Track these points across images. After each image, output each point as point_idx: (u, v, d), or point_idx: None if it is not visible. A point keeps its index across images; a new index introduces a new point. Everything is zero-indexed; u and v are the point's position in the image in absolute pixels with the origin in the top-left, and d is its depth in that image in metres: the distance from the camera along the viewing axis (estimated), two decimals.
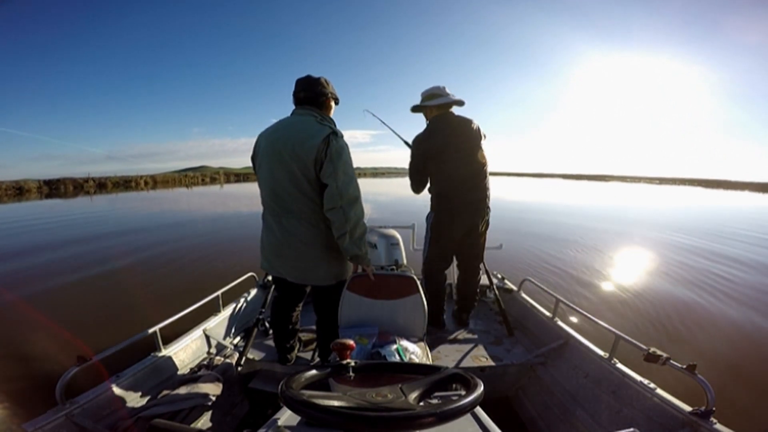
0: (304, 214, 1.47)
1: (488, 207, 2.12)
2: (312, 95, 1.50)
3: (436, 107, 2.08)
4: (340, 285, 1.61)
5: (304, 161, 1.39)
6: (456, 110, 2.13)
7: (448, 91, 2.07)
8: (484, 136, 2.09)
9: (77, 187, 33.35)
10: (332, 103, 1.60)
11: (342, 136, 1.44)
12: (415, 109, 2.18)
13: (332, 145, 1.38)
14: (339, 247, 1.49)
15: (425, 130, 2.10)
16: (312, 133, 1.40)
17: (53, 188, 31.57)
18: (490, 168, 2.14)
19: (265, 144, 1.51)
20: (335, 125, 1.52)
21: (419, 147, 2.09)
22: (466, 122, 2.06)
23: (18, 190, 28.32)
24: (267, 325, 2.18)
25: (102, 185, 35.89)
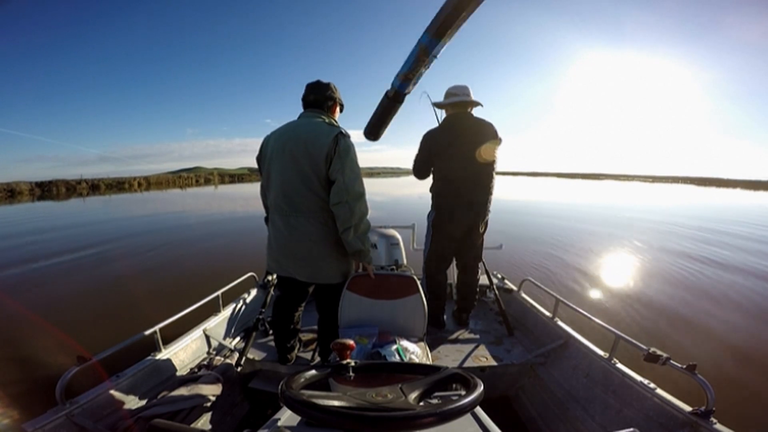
0: (314, 212, 1.51)
1: (489, 210, 2.12)
2: (321, 99, 1.59)
3: (451, 106, 2.10)
4: (343, 284, 1.63)
5: (315, 159, 1.45)
6: (475, 111, 2.14)
7: (470, 92, 2.08)
8: (500, 141, 2.08)
9: (70, 188, 33.23)
10: (338, 109, 1.68)
11: (349, 137, 1.51)
12: (437, 105, 2.18)
13: (341, 144, 1.45)
14: (343, 242, 1.52)
15: (437, 126, 2.13)
16: (323, 133, 1.47)
17: (45, 190, 31.41)
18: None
19: (275, 144, 1.55)
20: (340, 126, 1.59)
21: (426, 141, 2.12)
22: (481, 124, 2.07)
23: (9, 192, 28.18)
24: (267, 325, 2.18)
25: (95, 187, 35.81)
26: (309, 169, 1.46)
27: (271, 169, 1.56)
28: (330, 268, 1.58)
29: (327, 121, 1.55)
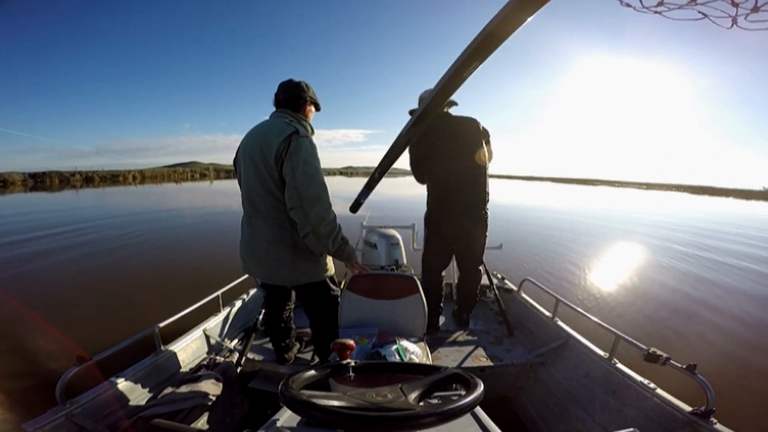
0: (270, 214, 1.47)
1: (484, 209, 2.08)
2: (290, 98, 1.53)
3: None
4: (317, 286, 1.60)
5: (268, 160, 1.41)
6: (455, 110, 2.11)
7: None
8: (486, 133, 2.06)
9: (63, 180, 32.91)
10: (311, 107, 1.61)
11: (306, 136, 1.42)
12: (412, 113, 2.18)
13: (292, 144, 1.37)
14: (306, 246, 1.47)
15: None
16: (277, 133, 1.41)
17: (39, 181, 31.14)
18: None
19: (241, 147, 1.55)
20: (307, 126, 1.53)
21: (411, 148, 2.10)
22: (464, 122, 2.03)
23: (2, 183, 28.01)
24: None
25: (89, 179, 35.57)
26: (264, 170, 1.42)
27: (240, 171, 1.56)
28: (286, 271, 1.52)
29: (288, 120, 1.47)
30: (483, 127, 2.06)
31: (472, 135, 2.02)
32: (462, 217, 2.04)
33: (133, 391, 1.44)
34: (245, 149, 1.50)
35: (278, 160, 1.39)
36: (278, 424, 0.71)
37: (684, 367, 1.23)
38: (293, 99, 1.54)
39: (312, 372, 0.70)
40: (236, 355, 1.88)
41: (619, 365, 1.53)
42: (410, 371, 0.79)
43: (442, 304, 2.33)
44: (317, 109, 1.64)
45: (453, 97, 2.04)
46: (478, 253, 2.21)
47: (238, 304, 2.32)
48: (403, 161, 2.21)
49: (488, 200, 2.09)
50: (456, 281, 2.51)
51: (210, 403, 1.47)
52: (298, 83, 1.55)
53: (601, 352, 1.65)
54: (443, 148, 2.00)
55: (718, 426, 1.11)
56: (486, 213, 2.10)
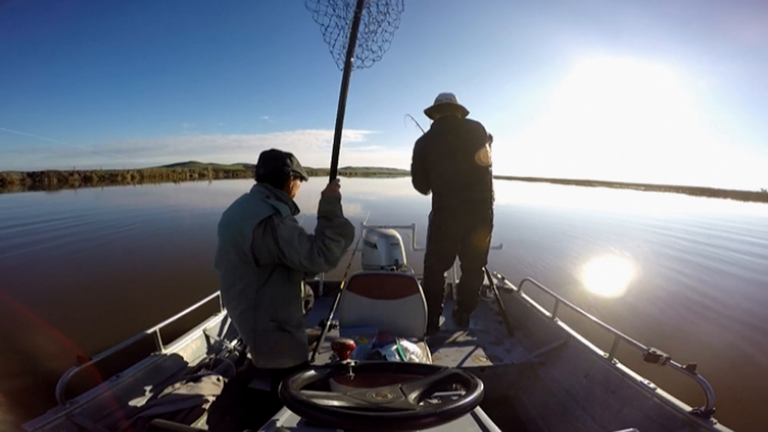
0: (240, 302, 1.37)
1: (490, 209, 2.10)
2: (270, 173, 1.39)
3: (437, 110, 2.15)
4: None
5: (242, 248, 1.26)
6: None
7: (457, 98, 2.14)
8: (491, 138, 2.12)
9: (61, 180, 32.96)
10: (296, 182, 1.46)
11: (286, 216, 1.28)
12: (427, 113, 2.25)
13: (276, 230, 1.24)
14: (270, 328, 1.38)
15: (426, 132, 2.18)
16: (252, 215, 1.26)
17: (37, 180, 31.21)
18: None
19: (218, 227, 1.41)
20: (287, 205, 1.37)
21: (416, 147, 2.17)
22: (469, 124, 2.09)
23: (0, 182, 28.14)
24: None
25: (87, 179, 35.63)
26: (236, 257, 1.29)
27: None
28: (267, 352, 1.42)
29: (265, 194, 1.34)
30: (488, 132, 2.12)
31: (477, 136, 2.06)
32: (468, 216, 2.06)
33: (133, 391, 1.44)
34: (219, 232, 1.38)
35: (255, 248, 1.24)
36: (278, 424, 0.71)
37: (684, 367, 1.23)
38: (275, 174, 1.39)
39: (312, 372, 0.70)
40: (236, 355, 1.88)
41: (619, 365, 1.53)
42: (410, 371, 0.79)
43: (442, 305, 2.33)
44: (303, 180, 1.49)
45: (470, 105, 2.14)
46: (482, 254, 2.21)
47: None
48: (404, 163, 2.24)
49: (494, 199, 2.11)
50: (457, 281, 2.51)
51: (210, 403, 1.47)
52: (280, 156, 1.40)
53: (601, 352, 1.65)
54: (448, 146, 2.03)
55: (718, 426, 1.11)
56: (491, 213, 2.12)
